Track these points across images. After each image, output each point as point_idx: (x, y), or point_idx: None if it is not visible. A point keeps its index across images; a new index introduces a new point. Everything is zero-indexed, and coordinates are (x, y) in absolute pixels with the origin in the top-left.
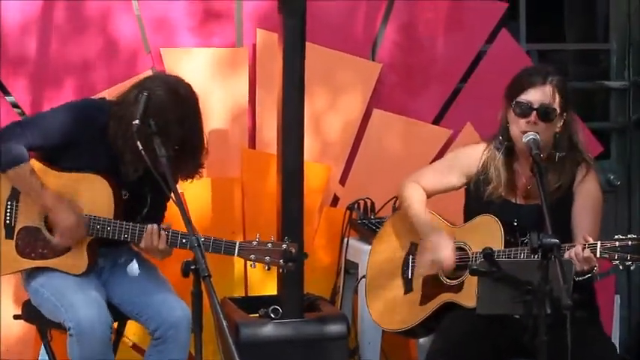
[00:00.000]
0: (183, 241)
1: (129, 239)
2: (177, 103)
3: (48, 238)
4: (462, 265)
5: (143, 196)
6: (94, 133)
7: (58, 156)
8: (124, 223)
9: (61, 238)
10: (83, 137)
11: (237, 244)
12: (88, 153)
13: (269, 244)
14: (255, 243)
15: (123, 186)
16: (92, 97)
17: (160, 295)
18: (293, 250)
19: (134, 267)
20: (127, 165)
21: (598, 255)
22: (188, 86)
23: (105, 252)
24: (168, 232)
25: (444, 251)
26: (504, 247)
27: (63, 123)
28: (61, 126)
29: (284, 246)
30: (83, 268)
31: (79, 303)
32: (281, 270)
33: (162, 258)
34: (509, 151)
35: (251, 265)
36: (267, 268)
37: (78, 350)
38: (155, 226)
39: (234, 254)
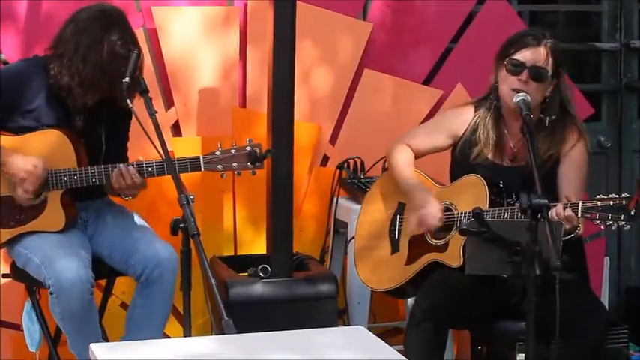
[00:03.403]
0: (149, 169)
1: (97, 183)
2: (115, 26)
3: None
4: (447, 225)
5: (98, 137)
6: (32, 91)
7: (5, 120)
8: (89, 168)
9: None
10: (22, 99)
11: (201, 157)
12: (34, 111)
13: (232, 150)
14: (218, 153)
15: (78, 132)
16: (24, 58)
17: (146, 238)
18: (258, 150)
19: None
20: (75, 98)
21: (579, 214)
22: (117, 8)
23: (85, 205)
24: (136, 165)
25: (429, 208)
26: (489, 207)
27: None
28: None
29: (248, 148)
30: (62, 223)
31: (59, 260)
32: (251, 173)
33: (139, 192)
34: (498, 113)
35: (221, 176)
36: (237, 173)
37: (59, 307)
38: (121, 166)
39: (200, 169)
